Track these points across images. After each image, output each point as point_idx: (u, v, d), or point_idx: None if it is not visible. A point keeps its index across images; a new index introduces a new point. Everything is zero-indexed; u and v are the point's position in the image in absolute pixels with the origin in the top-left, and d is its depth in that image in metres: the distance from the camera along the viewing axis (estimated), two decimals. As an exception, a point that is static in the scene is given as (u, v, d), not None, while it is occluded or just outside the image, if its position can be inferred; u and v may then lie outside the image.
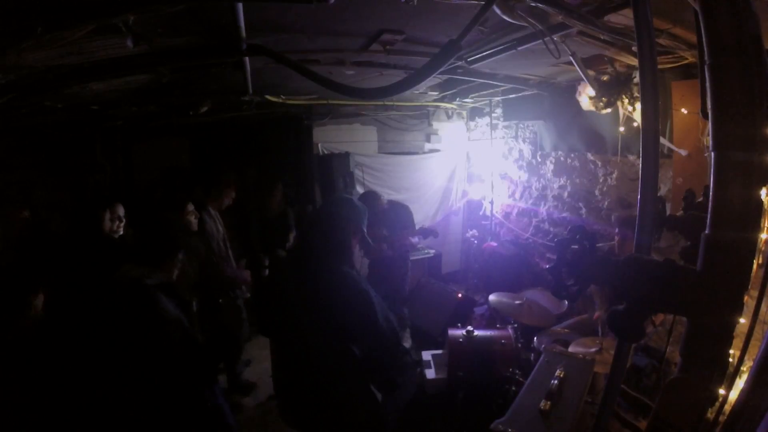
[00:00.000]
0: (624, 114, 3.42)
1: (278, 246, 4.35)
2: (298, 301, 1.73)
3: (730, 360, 0.99)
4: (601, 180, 4.13)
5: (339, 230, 1.78)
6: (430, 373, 3.04)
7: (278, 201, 4.68)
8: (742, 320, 0.99)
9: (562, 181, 4.63)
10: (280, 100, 4.15)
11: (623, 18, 2.04)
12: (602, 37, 2.38)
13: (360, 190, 4.96)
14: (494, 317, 3.77)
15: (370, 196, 3.80)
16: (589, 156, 4.22)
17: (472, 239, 5.83)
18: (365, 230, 1.87)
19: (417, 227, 4.19)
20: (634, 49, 1.91)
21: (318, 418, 1.82)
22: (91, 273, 2.28)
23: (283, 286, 1.82)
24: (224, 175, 3.70)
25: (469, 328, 2.92)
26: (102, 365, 1.79)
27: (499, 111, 5.36)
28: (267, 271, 3.88)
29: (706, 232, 0.95)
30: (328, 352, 1.74)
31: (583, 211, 4.36)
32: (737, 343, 1.05)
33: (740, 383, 1.12)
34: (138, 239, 1.96)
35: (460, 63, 2.91)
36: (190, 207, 3.18)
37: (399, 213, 4.00)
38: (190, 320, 1.99)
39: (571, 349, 2.65)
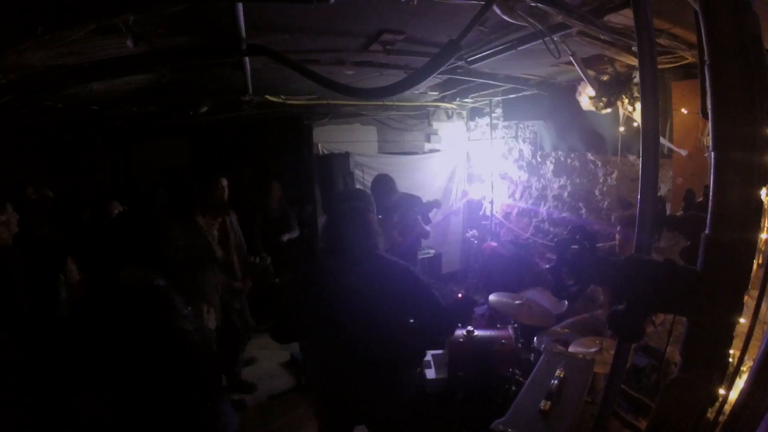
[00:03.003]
0: (624, 114, 3.42)
1: (279, 246, 4.37)
2: (348, 293, 1.79)
3: (730, 360, 0.99)
4: (601, 180, 4.13)
5: (369, 219, 1.90)
6: (430, 373, 3.04)
7: (277, 200, 4.69)
8: (742, 320, 0.99)
9: (562, 181, 4.63)
10: (280, 100, 4.15)
11: (623, 18, 2.04)
12: (602, 37, 2.38)
13: (360, 190, 4.96)
14: (494, 317, 3.77)
15: (385, 180, 3.73)
16: (589, 156, 4.22)
17: (472, 239, 5.82)
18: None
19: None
20: (634, 49, 1.91)
21: (382, 401, 1.91)
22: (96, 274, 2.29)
23: (321, 285, 1.86)
24: (214, 177, 3.68)
25: (469, 328, 2.92)
26: (113, 365, 1.79)
27: (499, 111, 5.36)
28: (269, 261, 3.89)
29: (706, 232, 0.95)
30: (388, 334, 1.83)
31: (583, 211, 4.36)
32: (737, 343, 1.05)
33: (740, 383, 1.12)
34: (133, 241, 1.92)
35: (460, 63, 2.91)
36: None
37: (410, 201, 3.96)
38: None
39: (571, 349, 2.65)
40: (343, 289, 1.80)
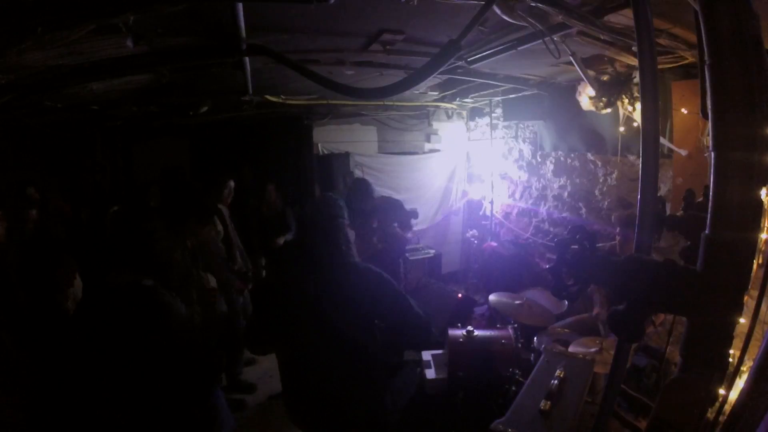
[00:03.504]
0: (624, 114, 3.42)
1: (276, 246, 4.35)
2: (319, 301, 1.76)
3: (730, 360, 0.99)
4: (601, 180, 4.13)
5: (340, 227, 1.87)
6: (430, 373, 3.03)
7: (272, 201, 4.68)
8: (742, 320, 0.99)
9: (562, 181, 4.63)
10: (280, 100, 4.15)
11: (623, 18, 2.04)
12: (602, 37, 2.38)
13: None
14: (494, 317, 3.77)
15: (362, 184, 3.70)
16: (589, 156, 4.22)
17: (472, 239, 5.83)
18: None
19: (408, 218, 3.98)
20: (634, 49, 1.91)
21: (348, 414, 1.86)
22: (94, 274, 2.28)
23: (293, 292, 1.83)
24: (223, 175, 3.70)
25: (469, 328, 2.92)
26: (105, 368, 1.78)
27: (499, 111, 5.37)
28: (264, 273, 3.88)
29: (706, 232, 0.95)
30: (357, 344, 1.80)
31: (583, 211, 4.36)
32: (737, 343, 1.05)
33: (740, 383, 1.12)
34: (119, 243, 1.88)
35: (460, 63, 2.91)
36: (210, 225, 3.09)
37: (390, 206, 3.89)
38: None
39: (571, 349, 2.65)
40: (313, 299, 1.77)
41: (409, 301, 1.87)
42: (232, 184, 3.68)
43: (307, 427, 1.98)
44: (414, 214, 3.93)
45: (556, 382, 1.93)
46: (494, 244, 5.27)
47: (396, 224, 3.74)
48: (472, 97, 5.04)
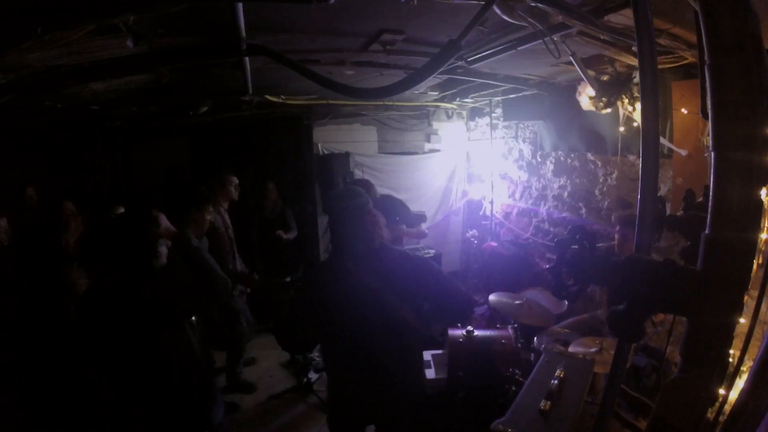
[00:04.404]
0: (624, 114, 3.42)
1: (276, 246, 4.36)
2: (361, 291, 1.78)
3: (730, 360, 0.99)
4: (601, 180, 4.13)
5: (371, 212, 1.90)
6: (430, 373, 3.03)
7: (274, 200, 4.68)
8: (742, 320, 0.99)
9: (562, 181, 4.63)
10: (280, 100, 4.15)
11: (623, 18, 2.04)
12: (602, 37, 2.38)
13: (360, 190, 4.94)
14: (494, 317, 3.77)
15: (364, 185, 3.68)
16: (589, 156, 4.22)
17: (472, 239, 5.83)
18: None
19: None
20: (634, 49, 1.91)
21: (393, 399, 1.92)
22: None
23: (332, 287, 1.84)
24: (226, 170, 3.72)
25: (469, 328, 2.92)
26: (104, 368, 1.78)
27: (499, 111, 5.36)
28: (256, 276, 3.91)
29: (706, 232, 0.95)
30: (402, 327, 1.86)
31: (583, 211, 4.36)
32: (737, 343, 1.05)
33: (740, 383, 1.12)
34: (119, 247, 1.86)
35: (460, 63, 2.92)
36: (209, 209, 3.11)
37: (393, 205, 3.87)
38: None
39: (571, 349, 2.65)
40: (354, 289, 1.78)
41: (449, 277, 1.95)
42: (235, 180, 3.70)
43: (348, 417, 2.00)
44: (422, 217, 3.92)
45: (556, 382, 1.93)
46: (494, 244, 5.27)
47: (404, 226, 3.72)
48: (472, 97, 5.04)
